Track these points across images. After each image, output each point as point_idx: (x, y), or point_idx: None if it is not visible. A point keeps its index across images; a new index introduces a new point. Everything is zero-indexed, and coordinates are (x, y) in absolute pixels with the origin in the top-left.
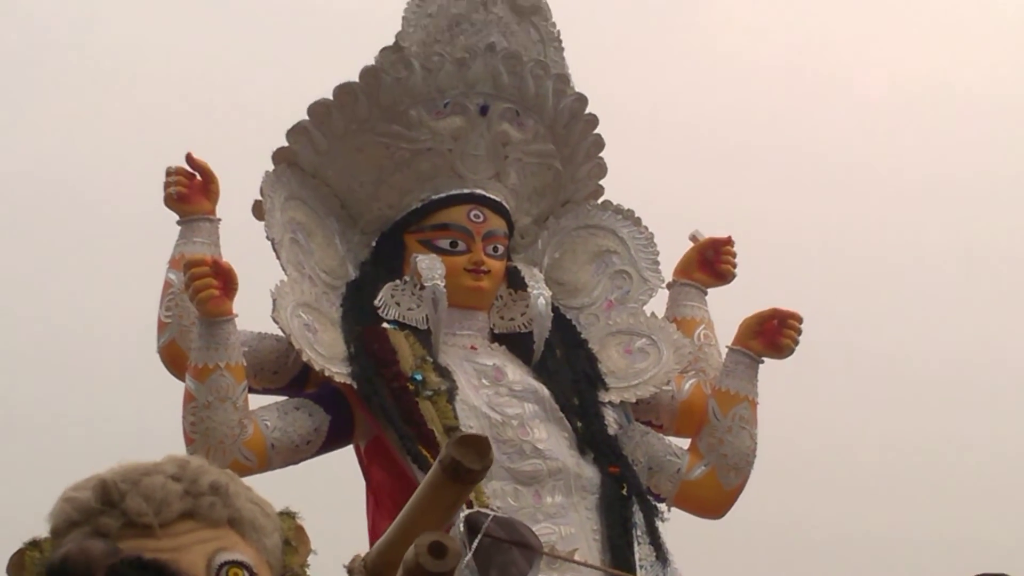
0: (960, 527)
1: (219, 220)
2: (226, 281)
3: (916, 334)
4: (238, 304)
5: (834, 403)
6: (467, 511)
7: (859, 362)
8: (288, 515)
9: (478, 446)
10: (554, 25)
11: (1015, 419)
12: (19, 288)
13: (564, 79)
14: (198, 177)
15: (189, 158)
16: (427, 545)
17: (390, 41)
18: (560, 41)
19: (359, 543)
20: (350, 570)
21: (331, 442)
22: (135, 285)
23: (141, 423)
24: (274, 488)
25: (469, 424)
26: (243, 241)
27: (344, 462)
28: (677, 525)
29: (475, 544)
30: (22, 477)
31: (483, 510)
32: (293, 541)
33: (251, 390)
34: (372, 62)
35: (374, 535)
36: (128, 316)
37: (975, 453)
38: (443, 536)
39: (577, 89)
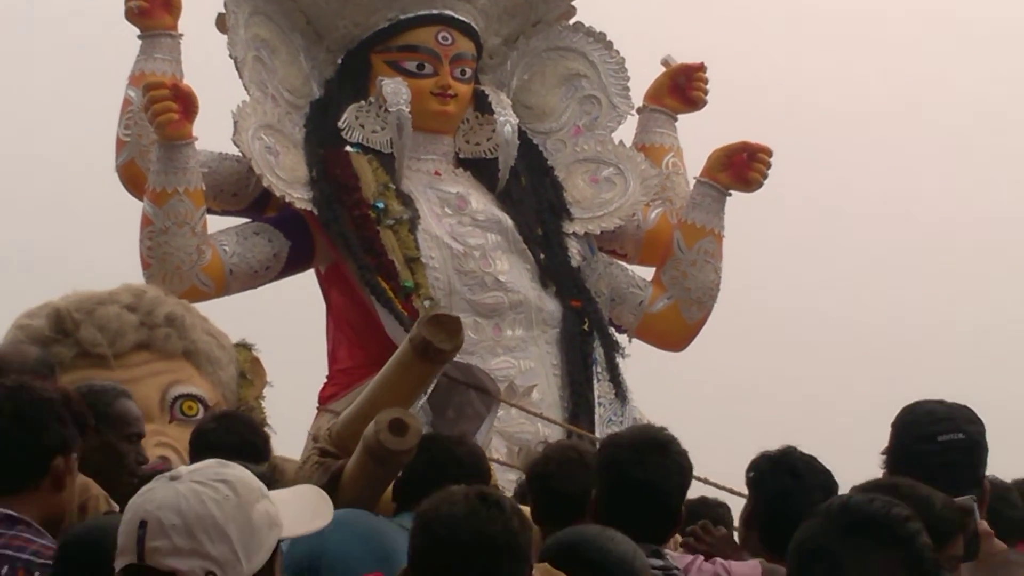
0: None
1: (181, 36)
2: (186, 104)
3: (894, 189)
4: (198, 123)
5: (803, 257)
6: None
7: (830, 212)
8: (244, 347)
9: (449, 326)
10: None
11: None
12: None
13: None
14: None
15: None
16: (387, 422)
17: None
18: None
19: (317, 369)
20: (315, 438)
21: (290, 267)
22: (93, 104)
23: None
24: (233, 315)
25: (431, 254)
26: (205, 56)
27: (304, 286)
28: (637, 361)
29: (431, 385)
30: None
31: None
32: (249, 374)
33: (211, 211)
34: None
35: (333, 359)
36: (83, 137)
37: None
38: (404, 413)
39: None
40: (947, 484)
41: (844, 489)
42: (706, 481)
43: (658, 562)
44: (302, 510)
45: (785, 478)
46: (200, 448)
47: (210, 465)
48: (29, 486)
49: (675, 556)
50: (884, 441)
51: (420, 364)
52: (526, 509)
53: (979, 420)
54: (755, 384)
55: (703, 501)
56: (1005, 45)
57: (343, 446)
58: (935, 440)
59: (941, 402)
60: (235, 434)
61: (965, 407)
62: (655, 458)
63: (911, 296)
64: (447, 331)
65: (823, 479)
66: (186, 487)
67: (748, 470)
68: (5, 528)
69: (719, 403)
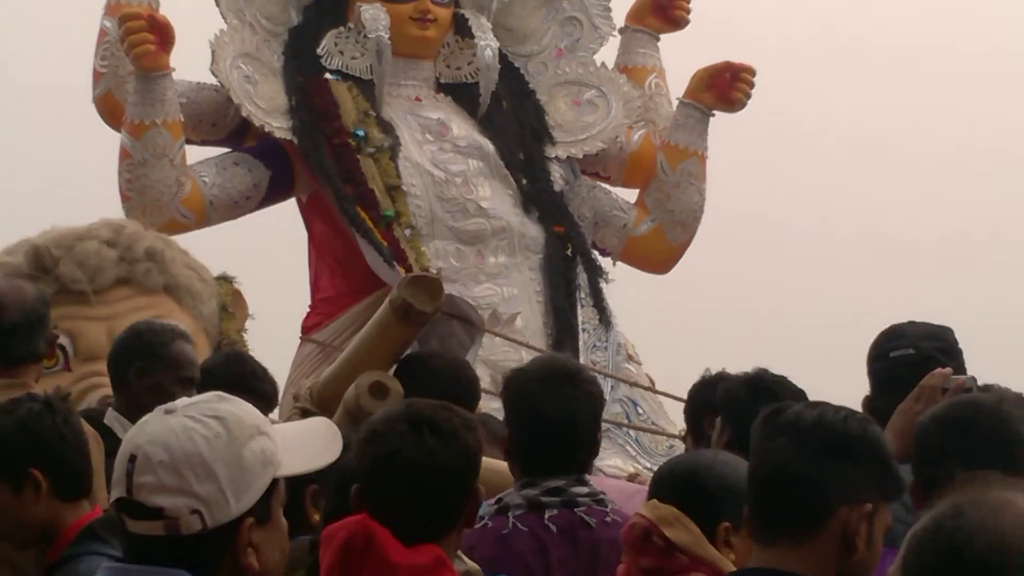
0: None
1: None
2: (162, 35)
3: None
4: (176, 53)
5: (785, 177)
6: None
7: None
8: (226, 280)
9: (430, 287)
10: None
11: None
12: None
13: None
14: None
15: None
16: (368, 385)
17: None
18: None
19: (300, 299)
20: (296, 397)
21: (271, 197)
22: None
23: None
24: (213, 246)
25: (412, 182)
26: None
27: (286, 216)
28: (622, 287)
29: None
30: None
31: None
32: (230, 307)
33: (189, 142)
34: None
35: (316, 289)
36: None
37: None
38: (385, 376)
39: None
40: (894, 400)
41: None
42: (656, 391)
43: (583, 489)
44: (308, 446)
45: (765, 402)
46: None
47: (208, 399)
48: None
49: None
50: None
51: (401, 326)
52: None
53: (943, 338)
54: (741, 305)
55: None
56: None
57: (324, 406)
58: (887, 356)
59: (913, 322)
60: (239, 377)
61: (939, 327)
62: (564, 389)
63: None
64: (428, 292)
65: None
66: (178, 422)
67: (720, 398)
68: None
69: (704, 325)
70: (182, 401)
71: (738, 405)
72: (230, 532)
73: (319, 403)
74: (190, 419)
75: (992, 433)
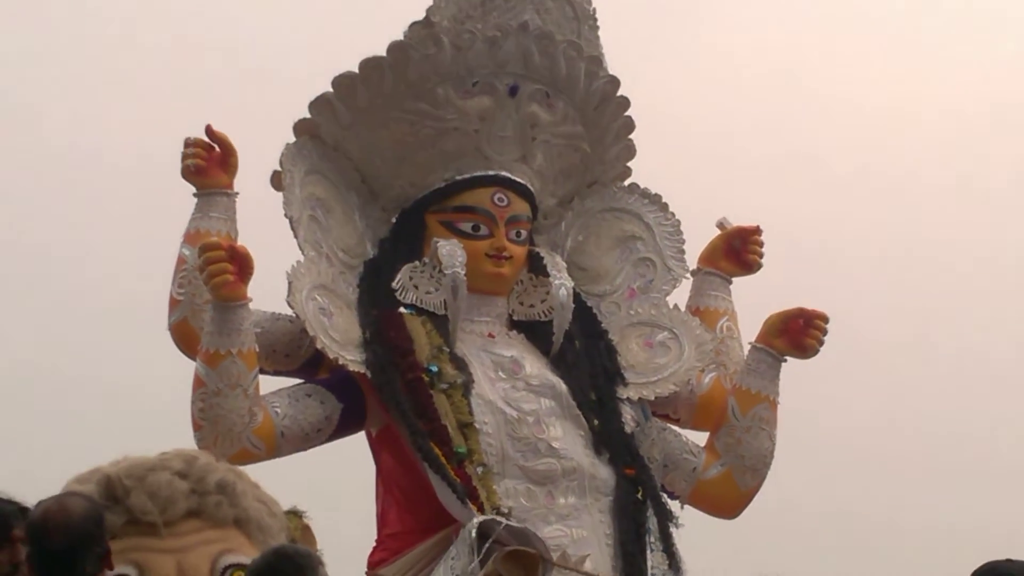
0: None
1: (236, 194)
2: (241, 265)
3: (940, 325)
4: (252, 283)
5: (859, 391)
6: (481, 517)
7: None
8: (295, 514)
9: (527, 562)
10: (590, 2)
11: None
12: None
13: (596, 61)
14: (217, 149)
15: (208, 130)
16: None
17: (421, 15)
18: (595, 19)
19: (368, 531)
20: None
21: (342, 430)
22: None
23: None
24: (280, 474)
25: (484, 419)
26: (261, 212)
27: (355, 447)
28: (692, 528)
29: (484, 550)
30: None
31: (496, 518)
32: (300, 541)
33: (262, 371)
34: (401, 36)
35: (383, 522)
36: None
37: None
38: None
39: (609, 71)
40: None
41: None
42: None
43: None
44: None
45: None
46: None
47: None
48: None
49: None
50: None
51: None
52: None
53: None
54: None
55: None
56: None
57: None
58: None
59: (1011, 560)
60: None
61: None
62: None
63: None
64: (524, 567)
65: None
66: None
67: None
68: None
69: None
70: None
71: None
72: None
73: None
74: None
75: None
